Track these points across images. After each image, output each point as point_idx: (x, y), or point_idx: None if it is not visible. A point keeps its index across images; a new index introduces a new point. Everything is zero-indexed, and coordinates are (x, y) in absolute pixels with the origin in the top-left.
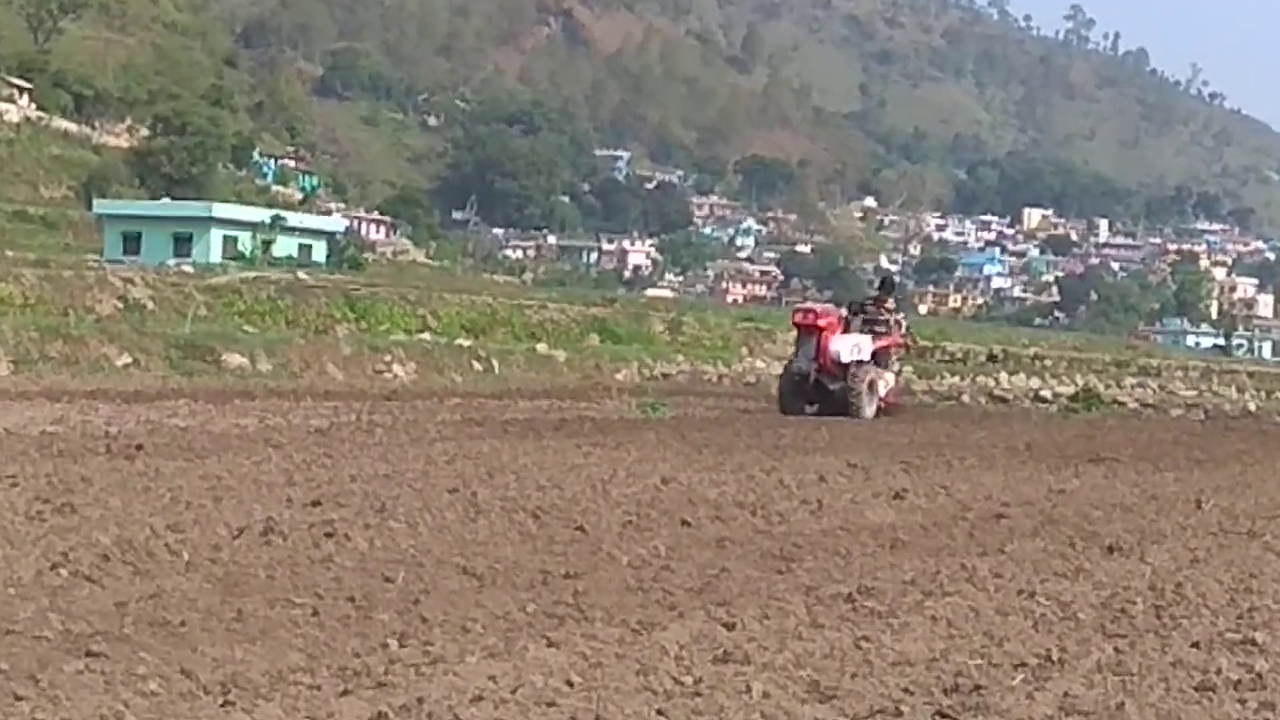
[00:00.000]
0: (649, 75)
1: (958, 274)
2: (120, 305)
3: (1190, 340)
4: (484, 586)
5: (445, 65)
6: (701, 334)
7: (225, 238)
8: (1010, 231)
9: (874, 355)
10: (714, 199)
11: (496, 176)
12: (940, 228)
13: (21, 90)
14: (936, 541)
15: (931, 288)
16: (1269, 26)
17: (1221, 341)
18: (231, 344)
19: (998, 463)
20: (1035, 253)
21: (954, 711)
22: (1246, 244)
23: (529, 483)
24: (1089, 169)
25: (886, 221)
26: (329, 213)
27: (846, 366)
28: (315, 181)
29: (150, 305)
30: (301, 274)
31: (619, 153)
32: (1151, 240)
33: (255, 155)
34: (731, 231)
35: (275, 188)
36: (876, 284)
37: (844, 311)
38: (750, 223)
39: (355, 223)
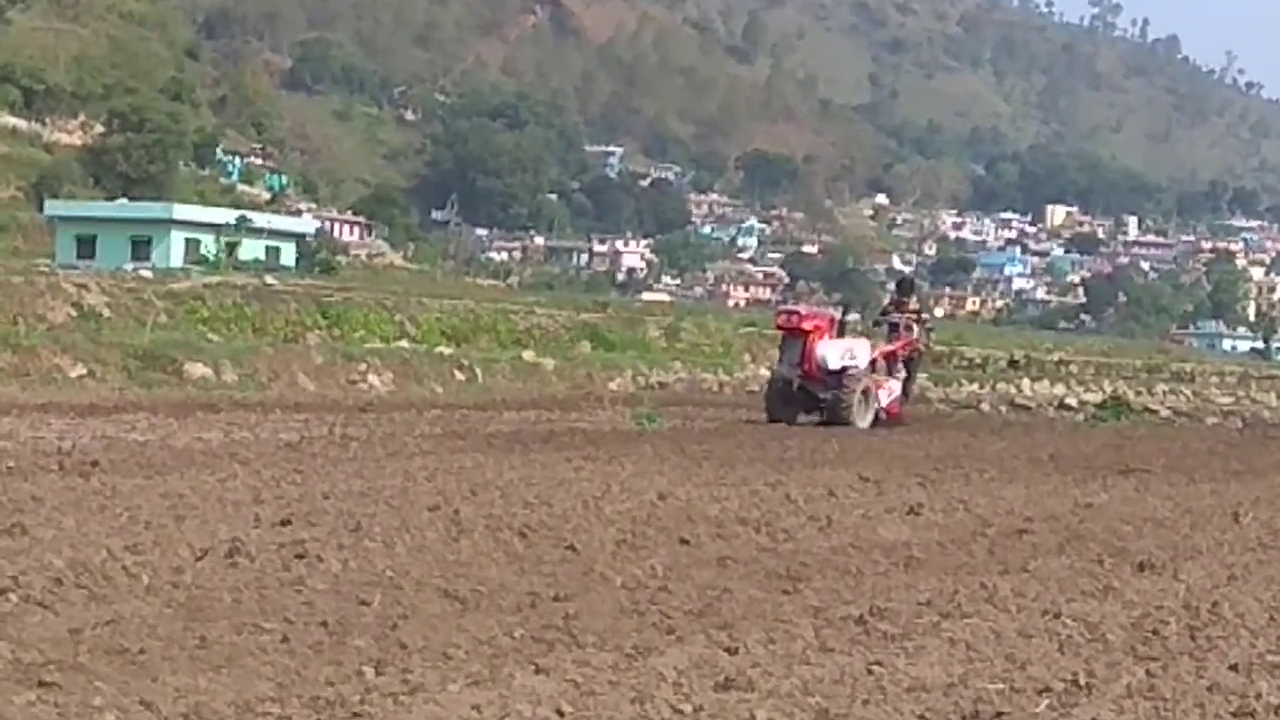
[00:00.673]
0: (643, 66)
1: (976, 275)
2: (74, 313)
3: (1226, 344)
4: (467, 610)
5: (423, 56)
6: (701, 340)
7: (187, 240)
8: (1032, 230)
9: (876, 361)
10: (713, 197)
11: (479, 174)
12: (957, 226)
13: None
14: (954, 559)
15: (948, 290)
16: None
17: (1260, 345)
18: (194, 353)
19: (1020, 475)
20: (1059, 252)
21: None
22: None
23: (515, 499)
24: (1116, 163)
25: (899, 220)
26: (299, 213)
27: (838, 374)
28: (284, 180)
29: (106, 313)
30: (269, 278)
31: (611, 148)
32: (1184, 238)
33: (219, 153)
34: (733, 231)
35: (240, 187)
36: (893, 286)
37: (837, 314)
38: (753, 222)
39: (327, 224)
